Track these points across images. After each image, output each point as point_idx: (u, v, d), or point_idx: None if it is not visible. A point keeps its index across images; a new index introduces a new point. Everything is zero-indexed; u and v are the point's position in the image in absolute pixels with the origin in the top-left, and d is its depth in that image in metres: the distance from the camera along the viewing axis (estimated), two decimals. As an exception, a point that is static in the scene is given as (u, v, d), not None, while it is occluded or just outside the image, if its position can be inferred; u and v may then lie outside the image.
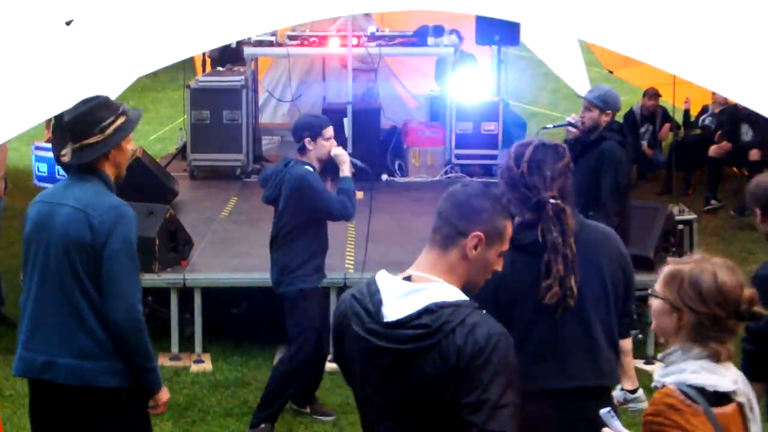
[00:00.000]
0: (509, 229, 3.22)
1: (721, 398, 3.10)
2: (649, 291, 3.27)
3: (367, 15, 12.96)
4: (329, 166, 7.12)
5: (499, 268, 3.24)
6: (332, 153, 6.93)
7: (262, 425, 6.99)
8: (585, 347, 4.08)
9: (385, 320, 3.04)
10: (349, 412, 7.23)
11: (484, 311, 3.06)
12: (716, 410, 3.07)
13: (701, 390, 3.08)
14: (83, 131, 4.58)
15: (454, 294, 3.06)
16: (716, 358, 3.13)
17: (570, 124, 7.76)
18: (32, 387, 4.73)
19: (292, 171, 6.87)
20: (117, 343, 4.54)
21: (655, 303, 3.25)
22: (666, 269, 3.24)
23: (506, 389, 2.96)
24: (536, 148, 4.10)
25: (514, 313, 4.00)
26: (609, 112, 7.65)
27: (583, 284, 4.00)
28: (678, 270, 3.20)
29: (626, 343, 7.03)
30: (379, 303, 3.07)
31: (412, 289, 3.07)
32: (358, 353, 3.12)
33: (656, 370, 3.27)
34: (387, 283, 3.12)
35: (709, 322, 3.12)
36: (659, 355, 3.31)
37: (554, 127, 8.47)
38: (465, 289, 3.14)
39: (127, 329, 4.51)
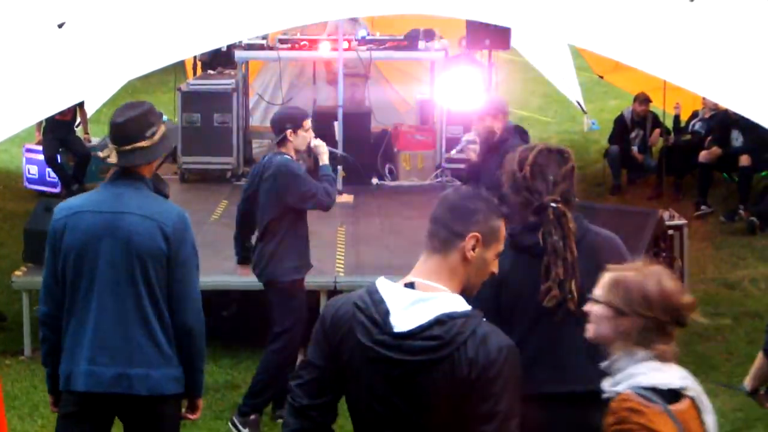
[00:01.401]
0: (503, 228, 3.23)
1: (674, 396, 3.15)
2: (589, 296, 3.33)
3: (353, 19, 12.94)
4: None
5: (495, 269, 3.25)
6: (312, 144, 7.02)
7: (252, 416, 7.06)
8: (585, 351, 4.10)
9: (396, 331, 3.01)
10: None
11: (486, 320, 3.08)
12: (673, 407, 3.12)
13: (655, 390, 3.13)
14: (135, 135, 4.59)
15: (460, 304, 3.07)
16: (663, 358, 3.20)
17: (468, 141, 7.82)
18: (87, 401, 4.63)
19: (272, 161, 6.93)
20: (185, 347, 4.64)
21: (596, 308, 3.28)
22: (607, 276, 3.30)
23: (514, 400, 3.00)
24: (539, 153, 4.13)
25: (515, 315, 4.02)
26: (499, 116, 7.75)
27: (584, 288, 4.02)
28: (622, 276, 3.26)
29: None
30: (386, 313, 3.04)
31: (419, 299, 3.05)
32: (363, 363, 3.07)
33: (604, 381, 3.31)
34: (390, 292, 3.09)
35: (653, 326, 3.19)
36: (602, 365, 3.33)
37: (457, 153, 8.24)
38: (464, 292, 3.15)
39: (197, 332, 4.66)
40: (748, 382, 4.75)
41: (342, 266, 8.70)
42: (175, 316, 4.58)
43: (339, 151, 7.31)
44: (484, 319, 3.06)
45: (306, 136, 6.97)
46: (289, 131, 6.91)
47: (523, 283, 4.04)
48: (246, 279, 8.40)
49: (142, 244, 4.52)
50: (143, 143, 4.60)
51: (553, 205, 4.01)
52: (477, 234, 3.13)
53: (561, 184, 4.09)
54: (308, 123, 7.02)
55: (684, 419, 3.12)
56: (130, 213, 4.55)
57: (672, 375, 3.18)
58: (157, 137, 4.64)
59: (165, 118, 4.86)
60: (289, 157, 6.93)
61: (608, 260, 4.14)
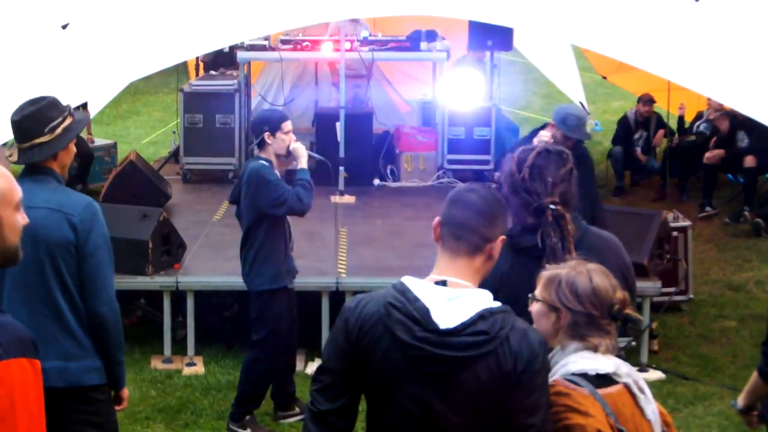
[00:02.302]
0: None
1: (604, 380, 3.25)
2: (529, 296, 3.44)
3: (355, 20, 12.92)
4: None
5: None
6: (291, 147, 6.89)
7: (246, 417, 7.10)
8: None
9: (442, 328, 3.02)
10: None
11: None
12: (601, 391, 3.21)
13: (584, 375, 3.23)
14: (33, 131, 4.57)
15: (491, 299, 3.13)
16: (594, 349, 3.30)
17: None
18: None
19: (248, 167, 6.89)
20: (99, 337, 4.60)
21: (534, 306, 3.41)
22: (544, 274, 3.42)
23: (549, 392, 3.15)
24: (539, 154, 4.11)
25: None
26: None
27: None
28: (556, 274, 3.38)
29: None
30: (426, 310, 3.05)
31: (454, 296, 3.08)
32: (400, 363, 3.07)
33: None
34: (423, 289, 3.11)
35: (584, 320, 3.30)
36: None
37: None
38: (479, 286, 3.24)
39: (110, 321, 4.59)
40: (740, 400, 4.73)
41: (344, 267, 8.68)
42: (87, 306, 4.56)
43: (318, 155, 7.28)
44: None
45: (285, 139, 6.84)
46: (266, 134, 6.80)
47: (521, 285, 4.02)
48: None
49: (50, 236, 4.50)
50: (42, 138, 4.57)
51: (551, 206, 4.00)
52: (503, 236, 3.25)
53: (560, 185, 4.07)
54: (287, 126, 6.88)
55: (614, 402, 3.22)
56: (36, 207, 4.46)
57: (602, 362, 3.27)
58: (59, 131, 4.59)
59: (71, 106, 4.81)
60: (264, 161, 6.81)
61: (608, 261, 4.13)
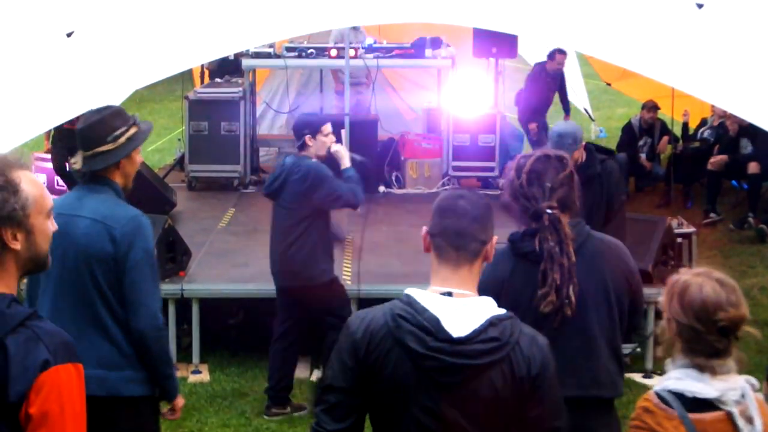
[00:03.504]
0: None
1: (703, 405, 3.07)
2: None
3: (355, 28, 12.92)
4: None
5: None
6: (332, 149, 7.19)
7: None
8: (584, 357, 4.11)
9: (455, 337, 3.00)
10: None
11: None
12: (694, 416, 3.06)
13: (680, 395, 3.09)
14: (96, 139, 4.60)
15: (495, 306, 3.11)
16: (700, 368, 3.11)
17: None
18: None
19: (300, 164, 7.07)
20: (140, 352, 4.58)
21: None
22: (669, 278, 3.25)
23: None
24: (537, 160, 4.14)
25: None
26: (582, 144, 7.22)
27: (585, 295, 4.03)
28: (675, 280, 3.20)
29: None
30: (436, 320, 3.02)
31: (462, 304, 3.07)
32: (411, 374, 3.04)
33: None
34: (430, 300, 3.08)
35: (689, 334, 3.11)
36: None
37: None
38: None
39: (150, 337, 4.56)
40: None
41: (348, 274, 8.69)
42: (129, 321, 4.55)
43: (358, 156, 7.48)
44: None
45: (325, 141, 7.14)
46: (307, 137, 7.09)
47: (522, 290, 4.06)
48: (253, 287, 8.42)
49: (89, 247, 4.52)
50: (105, 147, 4.60)
51: (548, 211, 4.02)
52: (495, 236, 3.22)
53: (559, 190, 4.09)
54: (327, 128, 7.18)
55: (705, 430, 3.06)
56: (82, 216, 4.55)
57: (705, 385, 3.08)
58: (122, 140, 4.63)
59: (137, 116, 4.85)
60: (316, 160, 7.10)
61: (611, 266, 4.15)
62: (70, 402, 2.78)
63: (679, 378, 3.12)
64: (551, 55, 13.58)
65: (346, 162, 7.24)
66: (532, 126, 13.78)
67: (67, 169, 12.95)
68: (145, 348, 4.57)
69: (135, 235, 4.55)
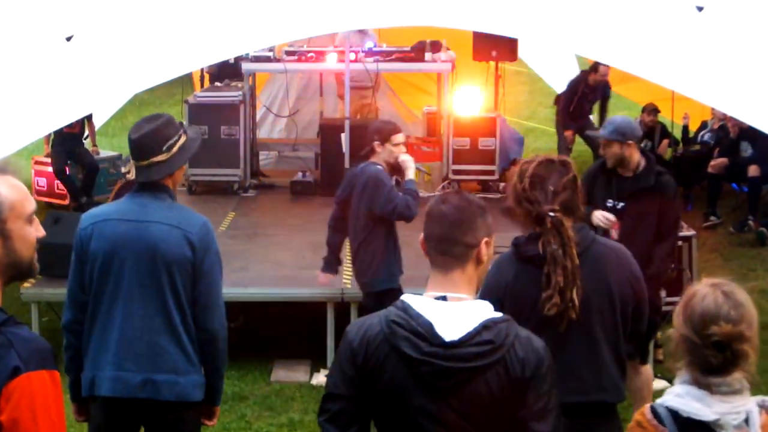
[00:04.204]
0: (490, 218, 3.27)
1: (697, 426, 3.00)
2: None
3: (362, 31, 12.93)
4: None
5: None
6: (399, 159, 7.16)
7: None
8: (588, 362, 4.12)
9: (447, 341, 3.01)
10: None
11: None
12: None
13: (676, 413, 3.04)
14: (151, 150, 4.63)
15: (491, 310, 3.11)
16: (698, 385, 3.02)
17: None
18: (112, 408, 4.68)
19: (366, 171, 7.10)
20: (208, 351, 4.69)
21: None
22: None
23: (556, 395, 3.14)
24: (539, 164, 4.16)
25: (519, 324, 4.02)
26: (630, 143, 6.85)
27: (588, 299, 4.03)
28: (690, 289, 3.10)
29: (646, 370, 6.98)
30: (429, 325, 3.03)
31: (456, 308, 3.08)
32: (408, 379, 3.05)
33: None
34: (425, 305, 3.09)
35: (687, 346, 3.03)
36: None
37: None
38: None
39: (221, 337, 4.69)
40: None
41: (349, 278, 8.68)
42: (200, 322, 4.64)
43: (423, 168, 7.50)
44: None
45: (393, 151, 7.13)
46: (376, 143, 7.11)
47: (526, 293, 4.07)
48: (252, 291, 8.41)
49: (169, 252, 4.58)
50: (160, 157, 4.63)
51: (551, 214, 4.03)
52: (486, 238, 3.19)
53: (561, 193, 4.11)
54: (397, 138, 7.16)
55: None
56: (156, 222, 4.61)
57: (707, 406, 2.98)
58: (175, 149, 4.68)
59: (185, 125, 4.88)
60: (379, 166, 7.10)
61: (616, 271, 4.16)
62: (43, 409, 2.70)
63: (680, 395, 3.05)
64: (594, 68, 13.42)
65: (410, 174, 7.20)
66: (568, 133, 13.69)
67: (67, 173, 12.97)
68: (214, 347, 4.69)
69: (209, 239, 4.68)
